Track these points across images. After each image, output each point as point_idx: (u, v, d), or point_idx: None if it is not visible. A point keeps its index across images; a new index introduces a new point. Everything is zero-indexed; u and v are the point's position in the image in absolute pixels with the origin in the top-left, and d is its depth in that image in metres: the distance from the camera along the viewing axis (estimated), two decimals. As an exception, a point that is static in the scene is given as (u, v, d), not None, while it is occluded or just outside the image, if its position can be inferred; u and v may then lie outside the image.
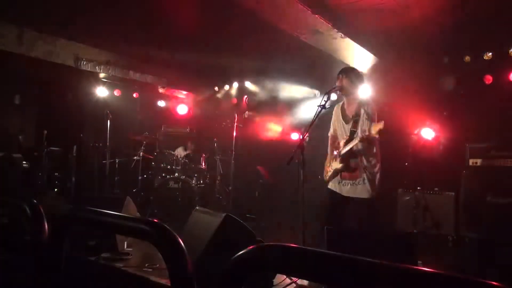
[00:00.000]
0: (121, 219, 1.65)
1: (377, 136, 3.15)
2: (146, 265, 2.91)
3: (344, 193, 3.46)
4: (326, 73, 5.38)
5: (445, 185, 5.49)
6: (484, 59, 5.47)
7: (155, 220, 1.44)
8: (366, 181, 3.37)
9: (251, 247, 1.17)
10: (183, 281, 1.36)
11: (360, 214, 3.40)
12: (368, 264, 0.98)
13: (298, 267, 1.09)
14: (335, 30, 4.90)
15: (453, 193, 5.34)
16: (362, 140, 3.25)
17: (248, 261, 1.17)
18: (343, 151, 3.44)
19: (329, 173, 3.58)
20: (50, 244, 1.77)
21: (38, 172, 6.62)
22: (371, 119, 3.37)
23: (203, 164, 6.59)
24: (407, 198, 5.64)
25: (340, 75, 3.52)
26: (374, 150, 3.46)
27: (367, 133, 3.16)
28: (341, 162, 3.46)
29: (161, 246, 1.40)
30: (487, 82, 5.55)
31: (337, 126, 3.66)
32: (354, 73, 3.54)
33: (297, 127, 6.60)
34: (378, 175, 3.43)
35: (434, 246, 5.08)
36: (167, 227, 1.40)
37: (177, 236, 1.38)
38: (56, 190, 6.75)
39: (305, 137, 3.22)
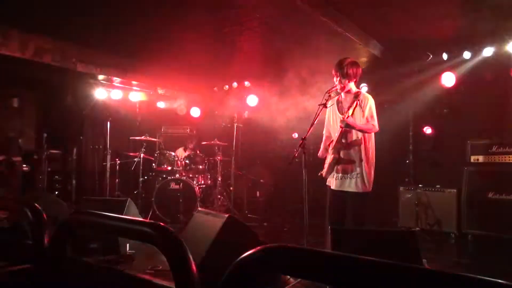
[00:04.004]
0: (124, 222, 1.63)
1: (351, 116, 3.14)
2: (149, 267, 2.89)
3: (341, 188, 3.43)
4: (326, 71, 5.37)
5: (447, 182, 5.48)
6: (484, 55, 5.45)
7: (158, 223, 1.43)
8: (361, 174, 3.34)
9: (256, 248, 1.15)
10: (188, 284, 1.34)
11: (356, 208, 3.38)
12: (377, 265, 0.97)
13: (305, 268, 1.08)
14: (337, 27, 4.89)
15: (455, 190, 5.33)
16: (342, 125, 3.19)
17: (253, 263, 1.16)
18: (335, 142, 3.43)
19: (325, 168, 3.58)
20: (52, 248, 1.75)
21: (38, 175, 6.61)
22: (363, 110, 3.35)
23: (204, 164, 6.58)
24: (409, 195, 5.63)
25: (337, 72, 3.46)
26: (368, 142, 3.42)
27: (346, 117, 3.14)
28: (332, 154, 3.44)
29: (164, 249, 1.38)
30: (487, 79, 5.54)
31: (333, 120, 3.62)
32: (349, 66, 3.45)
33: (297, 126, 6.58)
34: (372, 168, 3.41)
35: (436, 244, 5.07)
36: (171, 229, 1.38)
37: (181, 238, 1.36)
38: (56, 193, 6.74)
39: (306, 137, 3.20)
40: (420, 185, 5.61)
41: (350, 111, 3.09)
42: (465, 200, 5.18)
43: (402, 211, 5.68)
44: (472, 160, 5.29)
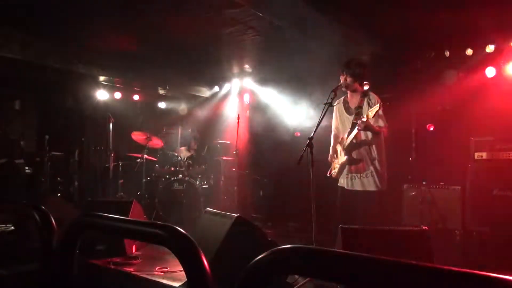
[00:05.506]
0: (136, 225, 1.62)
1: (373, 118, 3.12)
2: (157, 268, 2.88)
3: (353, 188, 3.43)
4: (328, 69, 5.35)
5: (451, 179, 5.46)
6: (487, 52, 5.44)
7: (170, 225, 1.41)
8: (374, 173, 3.34)
9: (271, 250, 1.14)
10: (202, 284, 1.33)
11: (368, 207, 3.37)
12: (391, 264, 0.96)
13: (320, 269, 1.07)
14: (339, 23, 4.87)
15: (459, 187, 5.31)
16: (361, 128, 3.20)
17: (269, 264, 1.15)
18: (346, 143, 3.42)
19: (336, 169, 3.57)
20: (61, 250, 1.74)
21: (40, 177, 6.60)
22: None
23: (207, 164, 6.57)
24: (413, 193, 5.62)
25: (344, 71, 3.49)
26: (379, 141, 3.42)
27: (364, 119, 3.13)
28: (345, 155, 3.44)
29: (177, 251, 1.37)
30: (489, 75, 5.53)
31: (341, 120, 3.63)
32: (356, 66, 3.48)
33: (300, 126, 6.57)
34: (385, 167, 3.40)
35: (441, 241, 5.05)
36: (183, 231, 1.38)
37: (194, 240, 1.35)
38: (59, 195, 6.73)
39: (313, 136, 3.19)
40: (424, 183, 5.59)
41: (371, 114, 3.07)
42: (470, 197, 5.17)
43: (406, 209, 5.66)
44: (476, 157, 5.28)
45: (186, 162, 6.31)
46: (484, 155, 5.21)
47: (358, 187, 3.39)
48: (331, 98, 3.26)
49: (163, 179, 6.23)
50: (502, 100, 5.31)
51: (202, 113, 8.39)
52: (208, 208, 2.99)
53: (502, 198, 4.88)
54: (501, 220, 4.81)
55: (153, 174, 6.55)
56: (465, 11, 4.73)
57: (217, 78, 8.16)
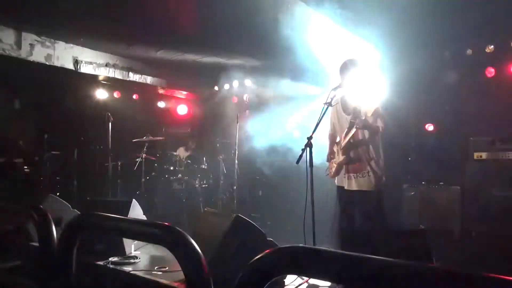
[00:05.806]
0: (135, 224, 1.63)
1: (371, 117, 3.11)
2: (156, 268, 2.88)
3: (350, 188, 3.41)
4: (327, 69, 5.35)
5: (450, 179, 5.46)
6: (486, 52, 5.44)
7: (169, 224, 1.42)
8: (370, 173, 3.31)
9: (269, 250, 1.14)
10: (200, 284, 1.33)
11: (366, 207, 3.35)
12: (390, 265, 0.96)
13: (319, 269, 1.07)
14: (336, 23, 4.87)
15: (458, 187, 5.31)
16: (359, 126, 3.18)
17: (269, 263, 1.15)
18: (343, 142, 3.41)
19: (334, 169, 3.56)
20: (60, 250, 1.74)
21: (39, 177, 6.59)
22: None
23: (206, 164, 6.57)
24: (412, 193, 5.62)
25: (343, 71, 3.47)
26: (377, 141, 3.39)
27: (363, 118, 3.11)
28: (342, 154, 3.42)
29: (176, 251, 1.38)
30: (489, 75, 5.54)
31: (339, 120, 3.61)
32: (355, 66, 3.46)
33: (299, 126, 6.57)
34: (383, 167, 3.37)
35: (440, 241, 5.05)
36: (182, 231, 1.38)
37: (192, 240, 1.35)
38: (58, 194, 6.72)
39: (312, 136, 3.18)
40: (423, 183, 5.60)
41: (369, 112, 3.05)
42: (469, 197, 5.18)
43: (406, 209, 5.67)
44: (475, 157, 5.29)
45: (185, 162, 6.31)
46: (484, 155, 5.22)
47: (355, 187, 3.37)
48: (331, 98, 3.25)
49: (162, 179, 6.23)
50: (502, 100, 5.31)
51: (201, 112, 8.38)
52: (208, 208, 2.99)
53: (502, 198, 4.89)
54: (501, 220, 4.81)
55: (152, 174, 6.55)
56: (465, 11, 4.74)
57: (217, 78, 8.15)
